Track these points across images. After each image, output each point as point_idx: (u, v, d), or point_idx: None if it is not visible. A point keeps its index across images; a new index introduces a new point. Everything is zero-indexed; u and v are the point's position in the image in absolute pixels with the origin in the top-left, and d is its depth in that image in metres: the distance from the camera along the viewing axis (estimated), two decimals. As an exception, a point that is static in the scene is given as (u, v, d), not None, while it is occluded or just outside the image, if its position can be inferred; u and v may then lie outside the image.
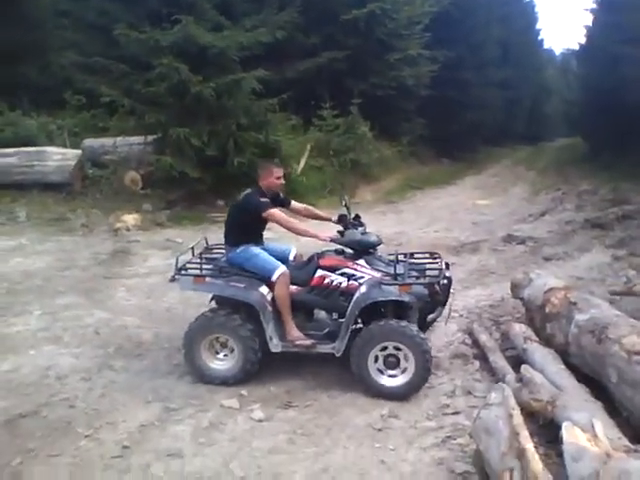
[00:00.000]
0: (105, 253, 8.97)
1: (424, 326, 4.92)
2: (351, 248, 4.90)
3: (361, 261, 4.80)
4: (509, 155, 32.02)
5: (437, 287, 4.75)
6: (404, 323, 4.53)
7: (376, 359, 4.54)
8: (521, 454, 2.91)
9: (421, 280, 4.86)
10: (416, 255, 5.43)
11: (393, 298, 4.60)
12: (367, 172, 17.38)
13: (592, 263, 8.19)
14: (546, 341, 4.94)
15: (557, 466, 3.18)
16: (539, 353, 4.67)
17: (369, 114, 17.49)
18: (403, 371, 4.54)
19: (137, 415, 4.31)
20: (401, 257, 4.91)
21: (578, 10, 36.11)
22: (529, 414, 3.82)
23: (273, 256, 4.92)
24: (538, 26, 48.37)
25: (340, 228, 5.04)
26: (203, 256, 5.21)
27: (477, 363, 5.09)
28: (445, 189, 18.57)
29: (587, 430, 2.95)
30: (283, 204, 5.21)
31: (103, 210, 11.64)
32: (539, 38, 49.45)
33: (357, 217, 5.16)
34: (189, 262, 5.04)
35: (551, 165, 25.83)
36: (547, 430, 3.70)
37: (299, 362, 5.02)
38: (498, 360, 4.90)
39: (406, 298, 4.59)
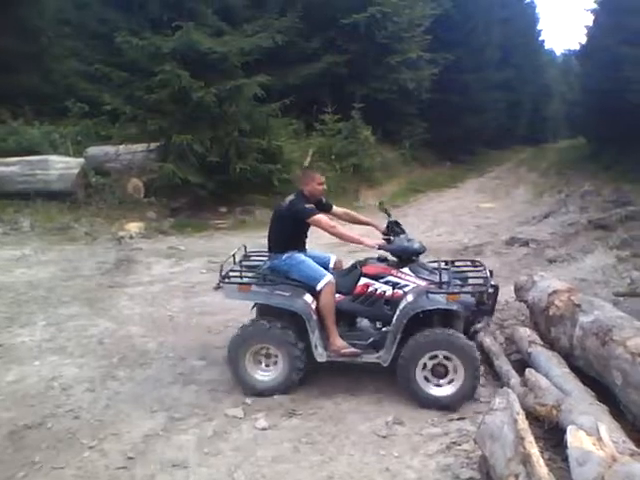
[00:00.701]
0: (109, 262, 8.98)
1: (469, 336, 4.83)
2: (396, 256, 4.86)
3: (405, 269, 4.74)
4: (511, 157, 32.02)
5: (484, 296, 4.69)
6: (451, 331, 4.45)
7: (424, 369, 4.45)
8: (526, 459, 2.90)
9: (468, 289, 4.77)
10: (457, 263, 5.38)
11: (442, 307, 4.51)
12: (369, 176, 17.40)
13: (596, 265, 8.17)
14: (551, 344, 4.93)
15: (562, 470, 3.17)
16: (544, 356, 4.66)
17: (371, 118, 17.54)
18: (451, 381, 4.45)
19: (142, 425, 4.30)
20: (442, 265, 4.85)
21: (579, 10, 36.25)
22: (534, 418, 3.82)
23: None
24: (539, 27, 48.41)
25: (378, 234, 5.05)
26: (243, 264, 5.12)
27: (481, 368, 5.06)
28: (448, 192, 18.59)
29: (592, 434, 2.94)
30: (325, 209, 5.13)
31: (107, 219, 11.69)
32: (540, 39, 49.44)
33: (397, 224, 5.09)
34: (231, 270, 4.96)
35: (553, 167, 25.83)
36: (553, 434, 3.69)
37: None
38: (503, 364, 4.87)
39: (454, 307, 4.52)
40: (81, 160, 12.92)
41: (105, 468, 3.78)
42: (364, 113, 17.26)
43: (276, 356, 4.69)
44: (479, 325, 4.93)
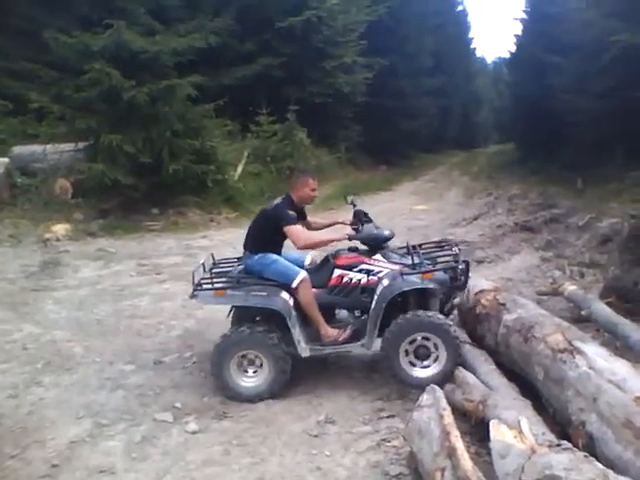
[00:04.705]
0: (34, 265, 8.65)
1: (445, 313, 4.93)
2: (366, 244, 4.93)
3: (377, 256, 4.81)
4: (444, 161, 32.71)
5: (457, 272, 4.76)
6: (431, 313, 4.55)
7: (407, 352, 4.54)
8: (452, 453, 2.97)
9: (441, 266, 4.88)
10: (424, 246, 5.51)
11: (419, 287, 4.61)
12: (305, 179, 17.38)
13: (521, 265, 8.46)
14: (478, 342, 5.07)
15: (487, 464, 3.25)
16: (471, 354, 4.79)
17: (306, 121, 17.61)
18: (435, 360, 4.56)
19: (67, 432, 4.17)
20: (410, 249, 4.98)
21: (509, 19, 37.52)
22: (462, 414, 3.92)
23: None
24: (470, 35, 49.87)
25: (347, 228, 5.15)
26: (213, 271, 5.08)
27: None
28: (382, 195, 18.78)
29: (514, 427, 3.03)
30: (301, 217, 5.05)
31: (32, 220, 11.22)
32: (471, 47, 50.90)
33: (365, 214, 5.15)
34: (203, 278, 4.88)
35: (483, 170, 26.52)
36: (479, 429, 3.78)
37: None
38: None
39: (430, 285, 4.62)
40: (6, 160, 12.38)
41: (28, 477, 3.64)
42: (300, 116, 17.31)
43: (255, 359, 4.64)
44: (455, 301, 5.07)
